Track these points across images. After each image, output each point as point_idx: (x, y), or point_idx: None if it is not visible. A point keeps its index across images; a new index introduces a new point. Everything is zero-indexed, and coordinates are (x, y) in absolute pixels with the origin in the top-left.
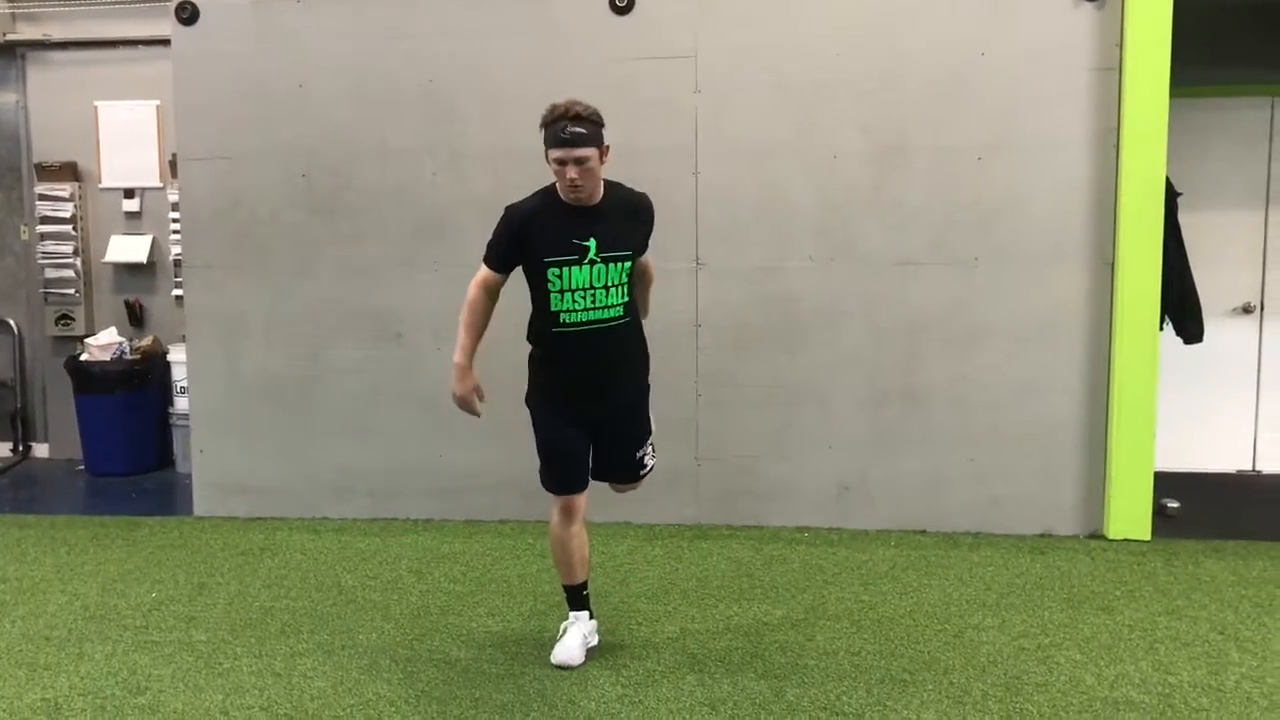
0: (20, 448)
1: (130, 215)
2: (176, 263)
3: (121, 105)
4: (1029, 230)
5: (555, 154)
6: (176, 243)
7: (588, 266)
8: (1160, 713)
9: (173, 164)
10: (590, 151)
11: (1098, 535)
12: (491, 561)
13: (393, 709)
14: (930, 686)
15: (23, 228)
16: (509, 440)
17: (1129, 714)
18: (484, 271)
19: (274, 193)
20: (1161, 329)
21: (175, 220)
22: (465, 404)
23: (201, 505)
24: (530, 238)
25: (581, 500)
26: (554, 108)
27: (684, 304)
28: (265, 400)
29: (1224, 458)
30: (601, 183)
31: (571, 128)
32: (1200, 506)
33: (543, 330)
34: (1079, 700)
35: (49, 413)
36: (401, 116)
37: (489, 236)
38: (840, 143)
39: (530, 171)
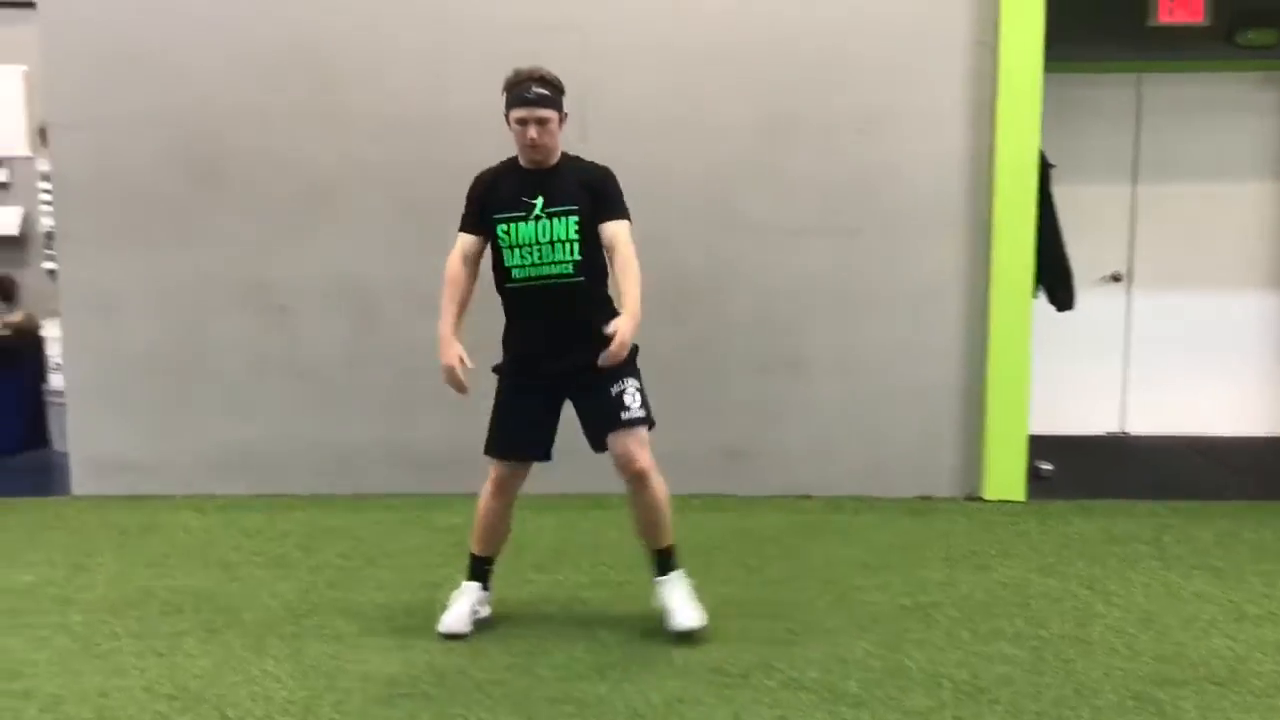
0: None
1: None
2: (48, 235)
3: None
4: (910, 200)
5: (517, 113)
6: (48, 214)
7: (533, 222)
8: (1032, 665)
9: (42, 132)
10: (550, 113)
11: (975, 497)
12: (381, 536)
13: (278, 684)
14: (814, 645)
15: None
16: (396, 414)
17: (1003, 667)
18: (459, 238)
19: (150, 161)
20: (1035, 297)
21: (46, 191)
22: (449, 374)
23: (79, 484)
24: (486, 198)
25: (516, 478)
26: (518, 71)
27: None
28: (145, 376)
29: (1095, 421)
30: (559, 149)
31: (536, 89)
32: (1072, 468)
33: (500, 289)
34: (956, 655)
35: None
36: (283, 82)
37: (374, 205)
38: (725, 114)
39: (414, 139)
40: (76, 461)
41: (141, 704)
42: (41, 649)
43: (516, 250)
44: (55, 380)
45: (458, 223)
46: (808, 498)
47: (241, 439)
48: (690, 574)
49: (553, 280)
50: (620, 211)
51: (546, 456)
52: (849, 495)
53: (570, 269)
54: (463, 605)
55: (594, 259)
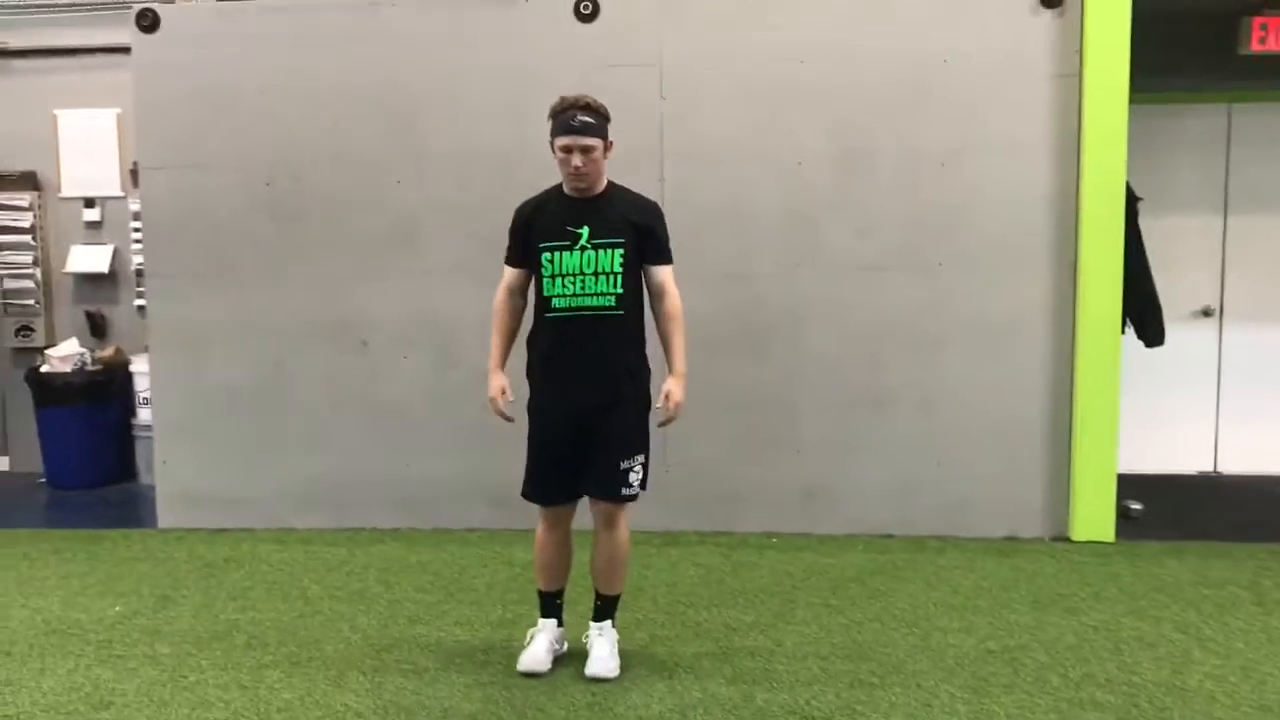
0: None
1: (91, 225)
2: (138, 272)
3: (82, 114)
4: (992, 234)
5: (562, 141)
6: (138, 252)
7: (578, 252)
8: (1125, 712)
9: (134, 172)
10: (595, 142)
11: (1062, 537)
12: (459, 571)
13: (359, 719)
14: (898, 690)
15: None
16: (476, 449)
17: (1095, 714)
18: (505, 271)
19: (236, 201)
20: (1123, 332)
21: (137, 229)
22: (492, 405)
23: (165, 517)
24: (531, 227)
25: (564, 514)
26: (564, 99)
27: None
28: (229, 411)
29: (1185, 459)
30: (605, 177)
31: (581, 117)
32: (1162, 508)
33: (538, 319)
34: (1045, 701)
35: (9, 426)
36: (365, 123)
37: (455, 242)
38: (805, 147)
39: (495, 177)
40: (162, 495)
41: None
42: (130, 679)
43: (559, 279)
44: (143, 414)
45: None
46: (889, 537)
47: (323, 473)
48: (769, 614)
49: (592, 311)
50: (668, 255)
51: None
52: (931, 535)
53: (612, 301)
54: (540, 643)
55: (634, 293)
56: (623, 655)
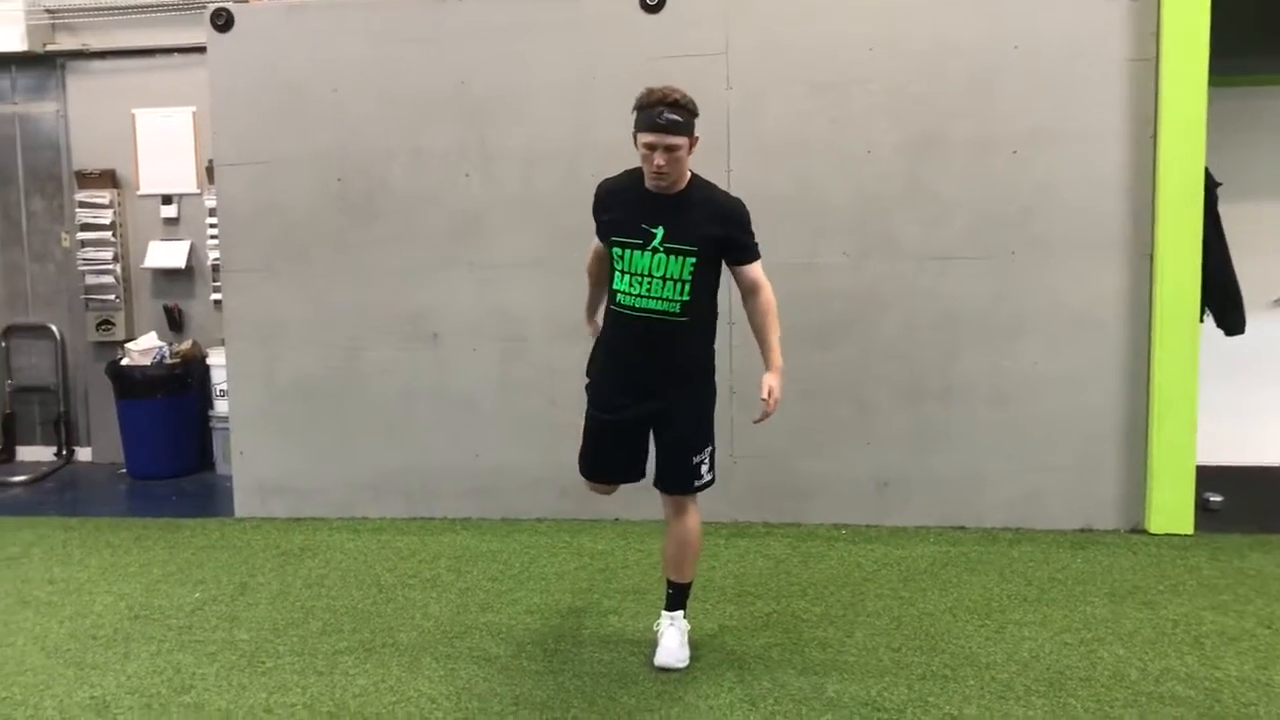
0: (64, 452)
1: (168, 221)
2: (214, 267)
3: (159, 113)
4: (1066, 222)
5: (646, 138)
6: (214, 248)
7: (649, 254)
8: (1208, 708)
9: (209, 170)
10: (681, 140)
11: (1139, 530)
12: (529, 559)
13: (433, 705)
14: (972, 682)
15: (64, 235)
16: (545, 438)
17: (1175, 709)
18: (593, 243)
19: (309, 196)
20: (1202, 320)
21: (212, 225)
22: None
23: (242, 506)
24: (608, 212)
25: (608, 490)
26: (651, 91)
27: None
28: (303, 402)
29: (1267, 450)
30: (688, 175)
31: (668, 114)
32: (1243, 500)
33: (608, 302)
34: (1124, 695)
35: (91, 417)
36: (434, 118)
37: (523, 236)
38: (874, 137)
39: (561, 171)
40: (239, 485)
41: None
42: (210, 664)
43: (627, 276)
44: (220, 406)
45: None
46: (961, 529)
47: (394, 464)
48: (839, 605)
49: (655, 315)
50: (755, 252)
51: (639, 478)
52: (1004, 527)
53: (677, 308)
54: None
55: (702, 300)
56: (692, 645)
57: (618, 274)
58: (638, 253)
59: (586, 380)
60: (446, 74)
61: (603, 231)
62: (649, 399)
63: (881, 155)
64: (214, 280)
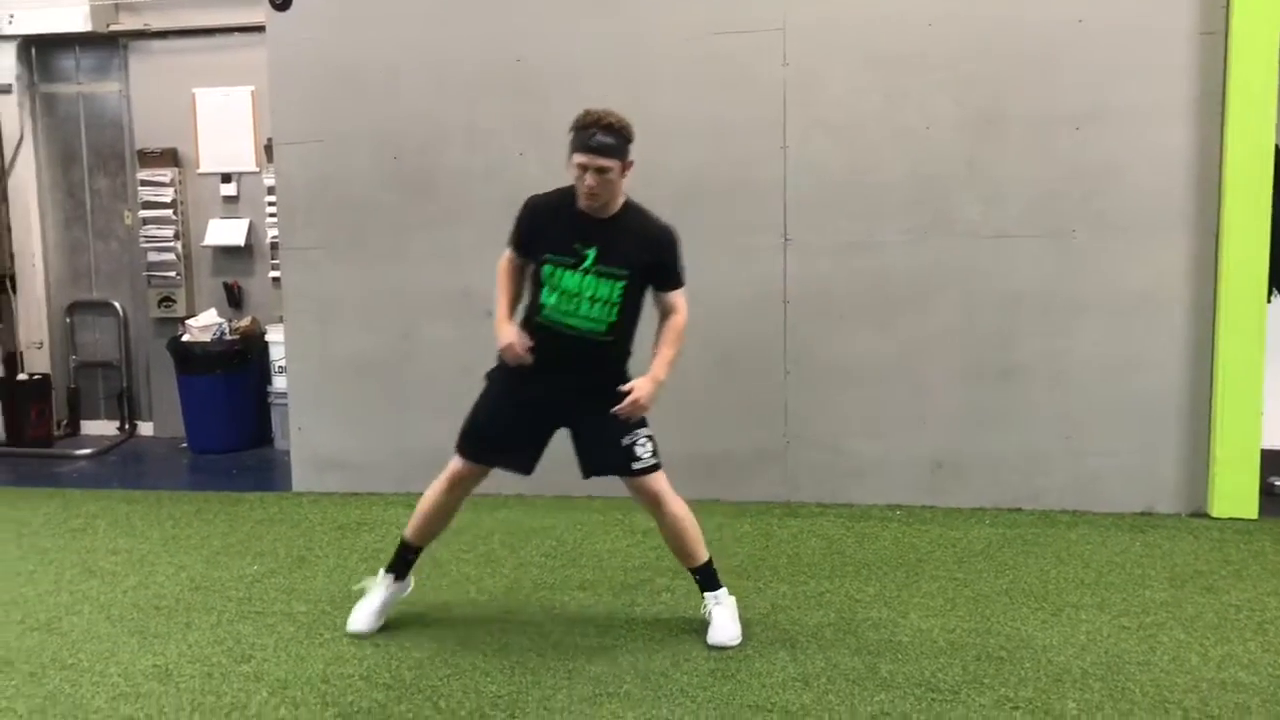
0: (126, 426)
1: (228, 199)
2: (273, 245)
3: (218, 92)
4: (1129, 200)
5: (578, 159)
6: (273, 226)
7: (580, 274)
8: (1271, 694)
9: (268, 148)
10: (612, 163)
11: (1201, 514)
12: (582, 536)
13: (487, 679)
14: (1028, 664)
15: (126, 213)
16: None
17: (1238, 695)
18: (507, 251)
19: (366, 175)
20: (1269, 300)
21: (271, 204)
22: (510, 351)
23: (300, 481)
24: (539, 229)
25: (475, 478)
26: (588, 113)
27: (771, 280)
28: (359, 378)
29: None
30: (621, 199)
31: (600, 136)
32: None
33: (529, 311)
34: (1184, 680)
35: (153, 392)
36: (489, 96)
37: None
38: (933, 114)
39: None
40: (297, 459)
41: (360, 691)
42: (269, 635)
43: (556, 293)
44: (278, 382)
45: None
46: (1017, 511)
47: (448, 440)
48: (894, 586)
49: (580, 333)
50: (679, 279)
51: (528, 470)
52: (1062, 509)
53: (604, 328)
54: (373, 601)
55: (627, 321)
56: (745, 624)
57: (546, 289)
58: (569, 272)
59: (494, 371)
60: (502, 51)
61: (535, 248)
62: (563, 405)
63: (940, 132)
64: (272, 258)
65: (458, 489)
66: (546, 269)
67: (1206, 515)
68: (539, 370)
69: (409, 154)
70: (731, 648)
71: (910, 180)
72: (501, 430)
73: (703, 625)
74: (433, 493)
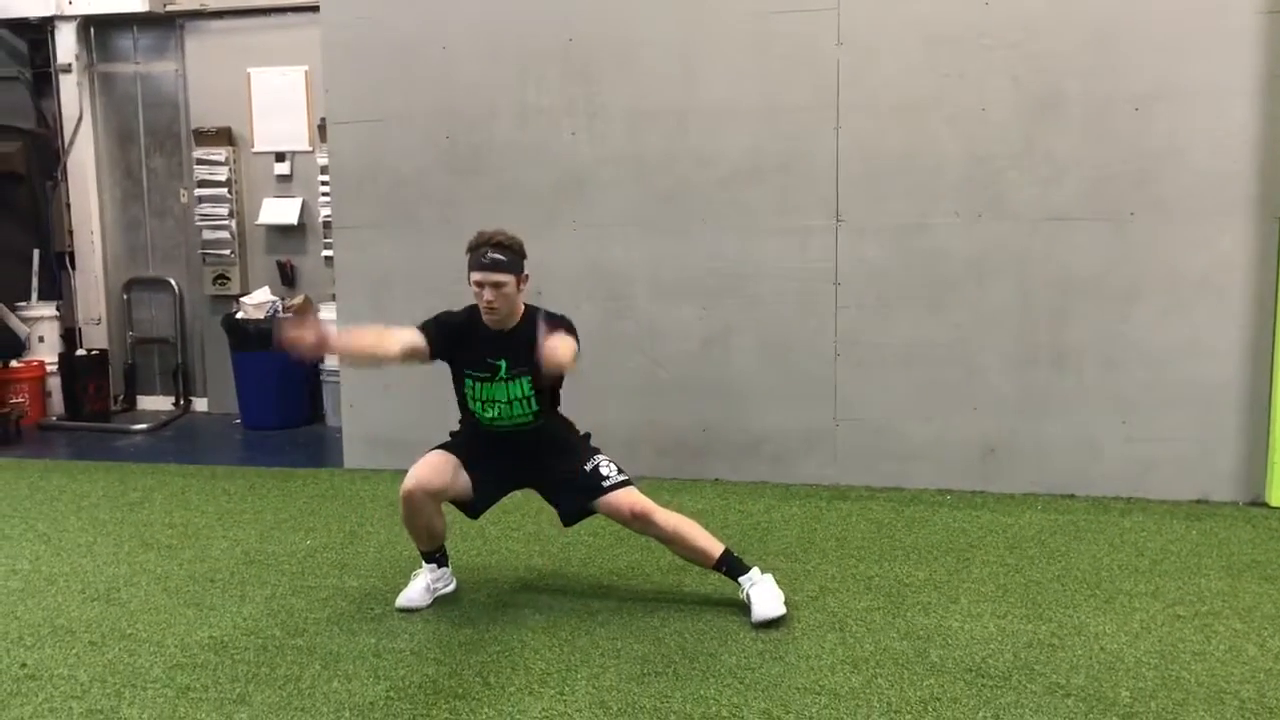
0: (181, 402)
1: (281, 178)
2: (325, 224)
3: (273, 71)
4: (1189, 183)
5: (475, 277)
6: (325, 204)
7: (498, 383)
8: None
9: (321, 128)
10: (507, 278)
11: (1259, 502)
12: None
13: (535, 656)
14: (1080, 651)
15: (182, 191)
16: (645, 397)
17: None
18: (414, 334)
19: (418, 154)
20: None
21: (324, 183)
22: (298, 341)
23: (351, 458)
24: (456, 346)
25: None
26: (481, 234)
27: (823, 261)
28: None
29: None
30: (519, 309)
31: (492, 254)
32: None
33: (463, 410)
34: (1240, 671)
35: (207, 369)
36: (541, 76)
37: (627, 194)
38: (989, 94)
39: (666, 129)
40: (349, 437)
41: (411, 666)
42: (322, 609)
43: (479, 403)
44: (331, 360)
45: (703, 211)
46: (1070, 497)
47: None
48: (944, 571)
49: (513, 426)
50: (569, 331)
51: (474, 515)
52: (1116, 496)
53: (530, 418)
54: (423, 579)
55: (549, 402)
56: (793, 606)
57: (470, 399)
58: (487, 384)
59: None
60: (554, 31)
61: (445, 352)
62: (521, 470)
63: (996, 113)
64: (325, 236)
65: (412, 501)
66: (468, 383)
67: (1264, 504)
68: (491, 456)
69: (461, 133)
70: (777, 620)
71: (965, 161)
72: (459, 458)
73: (747, 609)
74: (414, 497)
